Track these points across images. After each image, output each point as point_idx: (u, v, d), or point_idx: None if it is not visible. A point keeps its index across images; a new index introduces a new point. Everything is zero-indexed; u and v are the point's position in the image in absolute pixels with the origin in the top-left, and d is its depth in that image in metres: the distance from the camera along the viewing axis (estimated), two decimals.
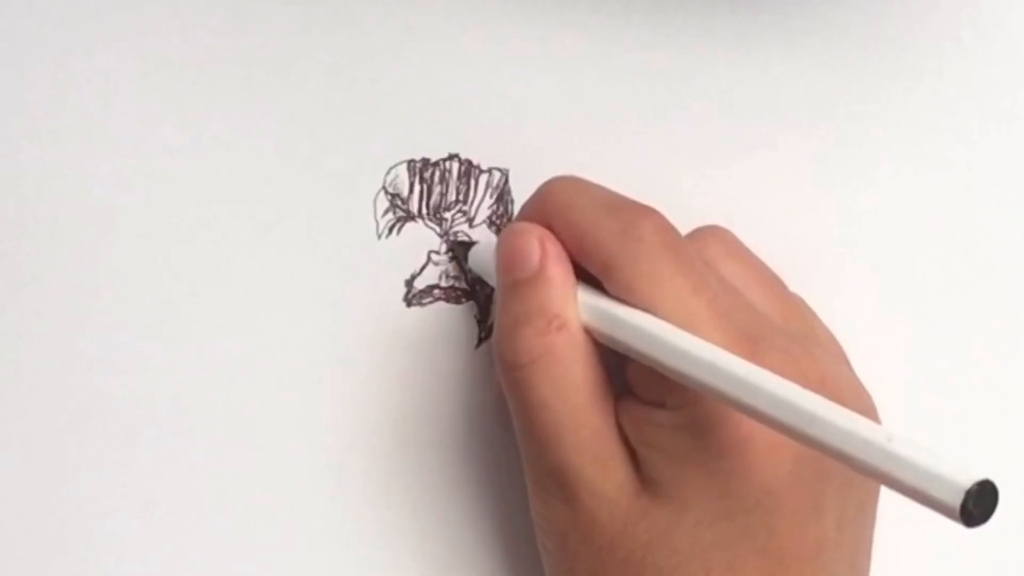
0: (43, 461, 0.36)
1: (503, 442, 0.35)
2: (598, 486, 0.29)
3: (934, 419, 0.35)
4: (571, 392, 0.29)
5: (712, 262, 0.31)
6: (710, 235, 0.32)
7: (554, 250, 0.30)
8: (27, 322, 0.36)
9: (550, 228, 0.31)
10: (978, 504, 0.22)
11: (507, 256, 0.31)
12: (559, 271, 0.30)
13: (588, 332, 0.30)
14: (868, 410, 0.31)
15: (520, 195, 0.36)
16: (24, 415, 0.36)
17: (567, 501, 0.29)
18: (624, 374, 0.30)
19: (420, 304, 0.36)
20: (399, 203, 0.36)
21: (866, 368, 0.32)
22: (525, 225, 0.31)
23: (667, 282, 0.29)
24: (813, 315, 0.33)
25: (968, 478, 0.22)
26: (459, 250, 0.36)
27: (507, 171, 0.36)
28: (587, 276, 0.31)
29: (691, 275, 0.29)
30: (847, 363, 0.32)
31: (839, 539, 0.30)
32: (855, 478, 0.30)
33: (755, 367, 0.26)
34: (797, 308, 0.32)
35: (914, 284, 0.36)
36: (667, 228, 0.30)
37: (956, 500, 0.22)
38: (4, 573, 0.35)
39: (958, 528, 0.22)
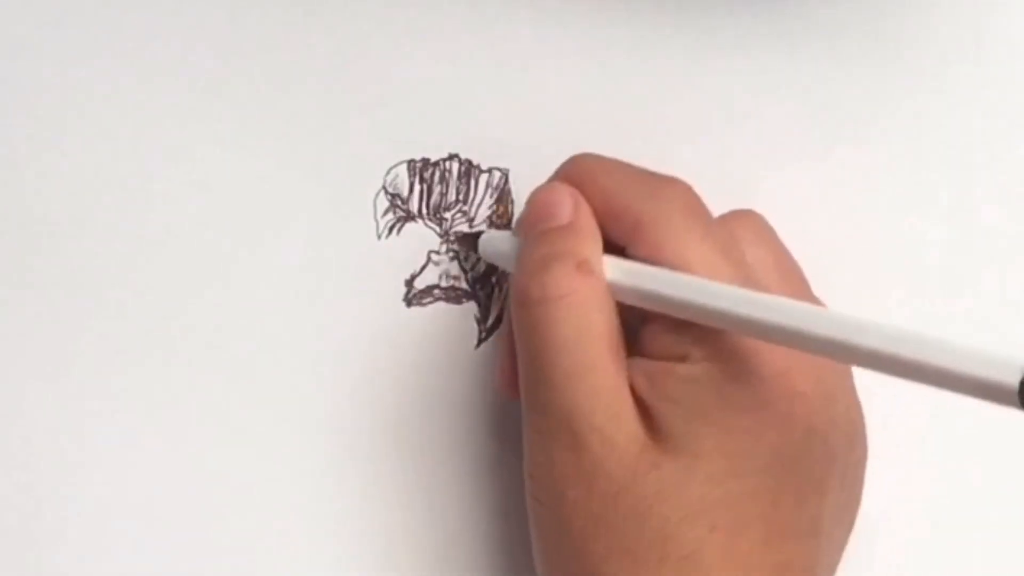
0: (43, 461, 0.36)
1: (503, 442, 0.35)
2: (608, 433, 0.29)
3: (935, 419, 0.35)
4: (591, 336, 0.29)
5: (739, 244, 0.31)
6: (743, 217, 0.32)
7: (585, 206, 0.31)
8: (27, 322, 0.36)
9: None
10: None
11: (539, 208, 0.31)
12: (590, 224, 0.30)
13: (611, 291, 0.30)
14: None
15: (520, 195, 0.36)
16: (24, 415, 0.36)
17: (573, 447, 0.29)
18: (639, 336, 0.30)
19: (420, 304, 0.36)
20: (399, 203, 0.36)
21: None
22: (556, 183, 0.32)
23: (698, 242, 0.29)
24: None
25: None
26: (467, 242, 0.35)
27: (507, 171, 0.37)
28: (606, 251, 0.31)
29: (718, 240, 0.30)
30: (850, 374, 0.32)
31: (829, 531, 0.30)
32: (850, 474, 0.30)
33: (797, 301, 0.27)
34: (814, 303, 0.32)
35: (914, 284, 0.36)
36: (694, 196, 0.31)
37: (1015, 379, 0.23)
38: (4, 573, 0.35)
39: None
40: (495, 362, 0.35)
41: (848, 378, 0.31)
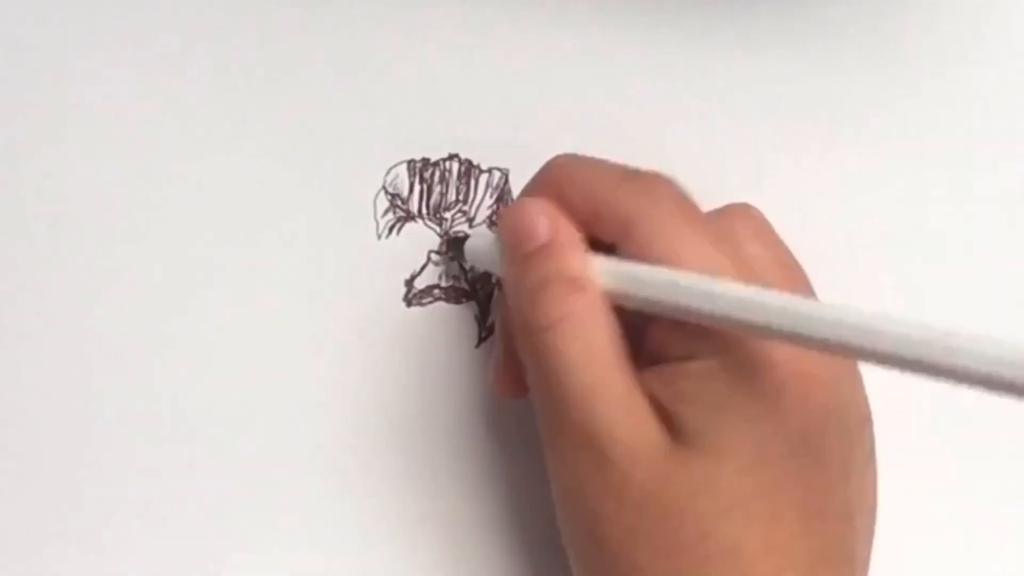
0: (43, 461, 0.36)
1: (503, 441, 0.35)
2: (631, 443, 0.28)
3: (935, 421, 0.35)
4: (597, 352, 0.29)
5: (735, 239, 0.31)
6: (739, 212, 0.32)
7: (561, 219, 0.30)
8: (27, 322, 0.36)
9: (560, 199, 0.31)
10: None
11: (513, 232, 0.31)
12: (569, 238, 0.30)
13: (606, 298, 0.30)
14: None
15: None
16: (24, 415, 0.36)
17: (598, 463, 0.29)
18: (642, 338, 0.30)
19: (420, 304, 0.36)
20: (399, 203, 0.36)
21: (864, 366, 0.32)
22: (524, 200, 0.31)
23: (689, 236, 0.29)
24: None
25: None
26: (455, 246, 0.36)
27: (507, 171, 0.37)
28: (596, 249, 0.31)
29: (709, 232, 0.29)
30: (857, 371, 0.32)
31: (859, 513, 0.30)
32: (868, 458, 0.30)
33: (799, 297, 0.26)
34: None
35: (913, 283, 0.36)
36: (680, 189, 0.30)
37: None
38: (4, 573, 0.35)
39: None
40: (489, 363, 0.35)
41: (852, 360, 0.31)
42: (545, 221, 0.30)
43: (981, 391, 0.24)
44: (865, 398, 0.31)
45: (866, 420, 0.31)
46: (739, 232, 0.31)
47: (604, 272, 0.30)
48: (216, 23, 0.37)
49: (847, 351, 0.25)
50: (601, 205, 0.30)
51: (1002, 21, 0.37)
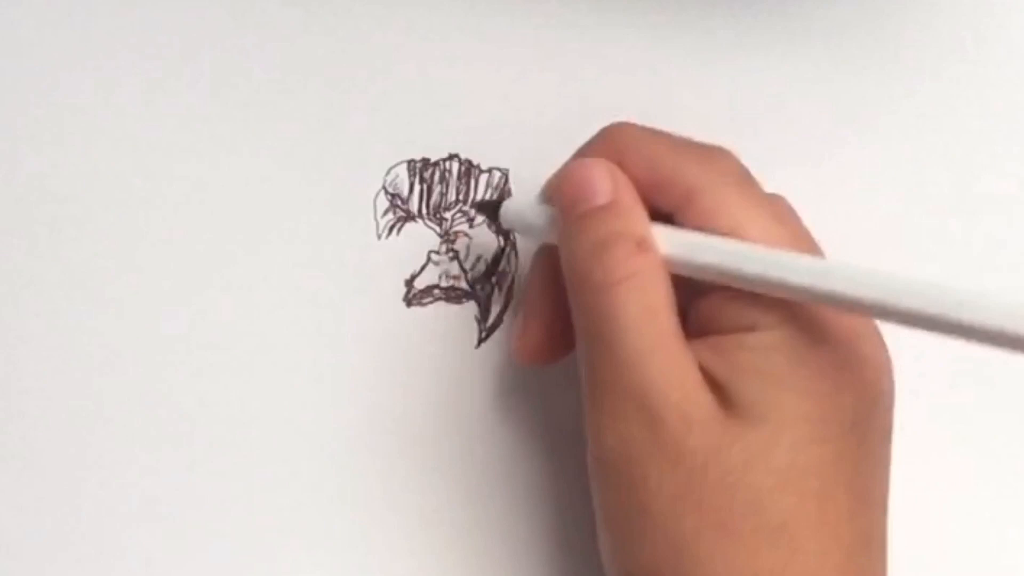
0: (43, 461, 0.36)
1: (503, 441, 0.35)
2: (686, 409, 0.28)
3: (934, 417, 0.35)
4: (658, 314, 0.29)
5: (786, 218, 0.31)
6: (779, 198, 0.32)
7: (625, 180, 0.30)
8: (27, 322, 0.36)
9: (620, 164, 0.31)
10: None
11: (577, 187, 0.30)
12: (634, 200, 0.30)
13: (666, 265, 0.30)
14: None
15: (520, 195, 0.36)
16: (24, 415, 0.36)
17: (650, 426, 0.28)
18: (695, 309, 0.30)
19: (420, 304, 0.36)
20: (399, 203, 0.36)
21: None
22: (587, 160, 0.31)
23: (754, 208, 0.29)
24: None
25: None
26: (487, 209, 0.35)
27: (507, 171, 0.36)
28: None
29: (774, 207, 0.29)
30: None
31: (886, 503, 0.30)
32: (891, 449, 0.30)
33: (880, 270, 0.26)
34: None
35: None
36: (742, 164, 0.30)
37: None
38: (4, 573, 0.35)
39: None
40: (513, 327, 0.34)
41: (887, 349, 0.31)
42: (610, 180, 0.30)
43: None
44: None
45: (893, 411, 0.30)
46: (786, 213, 0.31)
47: (667, 240, 0.29)
48: (216, 23, 0.37)
49: (918, 320, 0.26)
50: (664, 172, 0.30)
51: (1002, 21, 0.37)
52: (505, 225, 0.34)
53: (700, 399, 0.28)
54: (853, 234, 0.36)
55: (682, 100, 0.36)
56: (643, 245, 0.29)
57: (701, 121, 0.36)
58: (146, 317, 0.36)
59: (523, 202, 0.33)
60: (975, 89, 0.36)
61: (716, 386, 0.29)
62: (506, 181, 0.36)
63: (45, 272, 0.36)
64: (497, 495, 0.35)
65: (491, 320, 0.36)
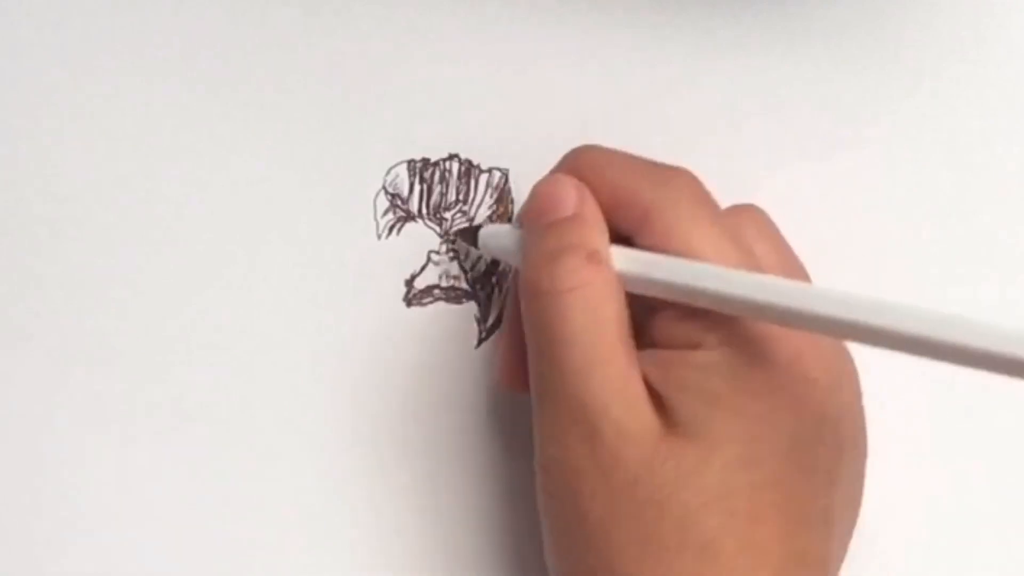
0: (43, 461, 0.36)
1: (503, 441, 0.35)
2: (623, 423, 0.28)
3: (935, 418, 0.35)
4: (604, 327, 0.29)
5: (744, 237, 0.31)
6: (745, 212, 0.32)
7: (590, 197, 0.31)
8: (27, 322, 0.36)
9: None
10: None
11: (543, 200, 0.31)
12: (596, 215, 0.30)
13: (620, 280, 0.30)
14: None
15: (520, 195, 0.36)
16: (24, 415, 0.36)
17: (588, 438, 0.29)
18: (647, 326, 0.30)
19: (420, 304, 0.36)
20: (399, 203, 0.36)
21: (861, 359, 0.32)
22: (559, 175, 0.31)
23: (707, 229, 0.29)
24: None
25: None
26: (467, 236, 0.35)
27: (507, 171, 0.37)
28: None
29: (726, 227, 0.30)
30: (854, 364, 0.32)
31: (839, 519, 0.30)
32: (858, 464, 0.31)
33: (816, 285, 0.27)
34: None
35: (913, 284, 0.36)
36: (700, 184, 0.31)
37: None
38: (4, 573, 0.35)
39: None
40: (494, 356, 0.35)
41: (853, 367, 0.31)
42: (575, 194, 0.31)
43: (981, 370, 0.24)
44: (861, 409, 0.31)
45: (859, 430, 0.31)
46: (747, 231, 0.31)
47: (621, 256, 0.30)
48: (216, 23, 0.37)
49: (853, 332, 0.26)
50: (623, 194, 0.30)
51: (1002, 21, 0.37)
52: (483, 250, 0.34)
53: (639, 414, 0.29)
54: (853, 234, 0.36)
55: (682, 100, 0.37)
56: (594, 258, 0.29)
57: (701, 121, 0.36)
58: (146, 317, 0.36)
59: (499, 227, 0.34)
60: (975, 89, 0.36)
61: (659, 401, 0.29)
62: (506, 181, 0.36)
63: (45, 272, 0.36)
64: (497, 495, 0.35)
65: (491, 320, 0.36)
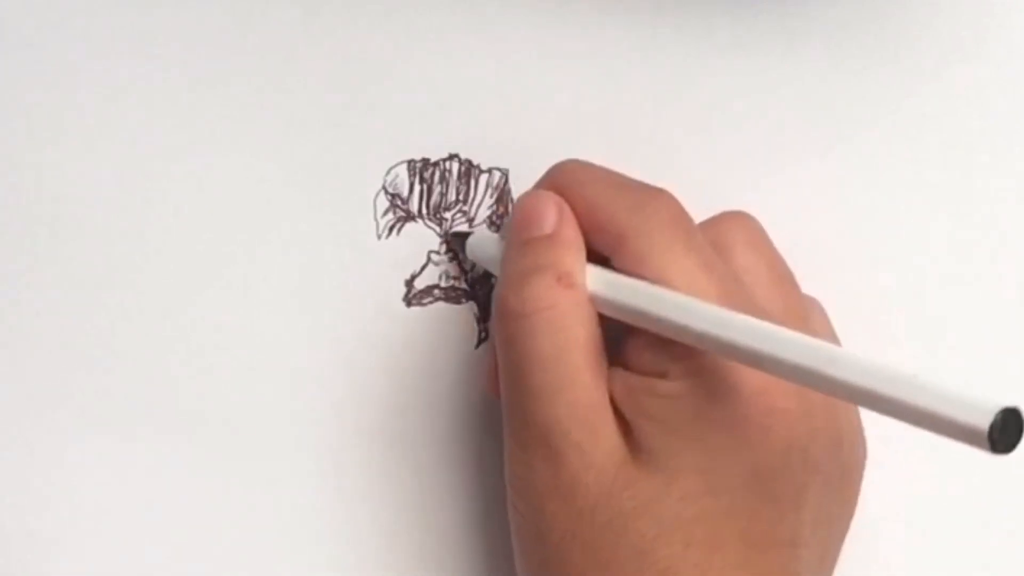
0: (43, 461, 0.36)
1: (503, 441, 0.35)
2: (586, 448, 0.29)
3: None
4: (570, 350, 0.29)
5: (728, 248, 0.31)
6: (733, 220, 0.32)
7: (570, 217, 0.31)
8: (27, 322, 0.36)
9: None
10: (1004, 430, 0.22)
11: (524, 215, 0.31)
12: (573, 235, 0.30)
13: (592, 302, 0.30)
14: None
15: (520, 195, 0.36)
16: (24, 415, 0.36)
17: (551, 461, 0.29)
18: (621, 348, 0.30)
19: (420, 304, 0.36)
20: (399, 203, 0.36)
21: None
22: (543, 191, 0.31)
23: (680, 256, 0.29)
24: (822, 320, 0.33)
25: (996, 404, 0.22)
26: (456, 241, 0.36)
27: (507, 171, 0.37)
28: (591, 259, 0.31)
29: (701, 254, 0.29)
30: None
31: (811, 539, 0.30)
32: (836, 481, 0.30)
33: (776, 326, 0.26)
34: (801, 310, 0.32)
35: (913, 284, 0.36)
36: (679, 208, 0.30)
37: (985, 422, 0.22)
38: (4, 573, 0.35)
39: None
40: (484, 365, 0.35)
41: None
42: (556, 212, 0.30)
43: (943, 437, 0.23)
44: (847, 423, 0.31)
45: (840, 445, 0.30)
46: (733, 241, 0.31)
47: (595, 277, 0.30)
48: (216, 23, 0.37)
49: (808, 379, 0.25)
50: (600, 215, 0.30)
51: (1002, 21, 0.37)
52: (471, 257, 0.34)
53: (602, 440, 0.29)
54: (852, 234, 0.36)
55: (681, 100, 0.36)
56: (565, 280, 0.29)
57: (700, 121, 0.36)
58: (146, 317, 0.36)
59: (486, 236, 0.34)
60: (975, 89, 0.36)
61: (625, 425, 0.29)
62: (506, 181, 0.36)
63: (45, 272, 0.36)
64: (497, 495, 0.35)
65: (491, 320, 0.36)
